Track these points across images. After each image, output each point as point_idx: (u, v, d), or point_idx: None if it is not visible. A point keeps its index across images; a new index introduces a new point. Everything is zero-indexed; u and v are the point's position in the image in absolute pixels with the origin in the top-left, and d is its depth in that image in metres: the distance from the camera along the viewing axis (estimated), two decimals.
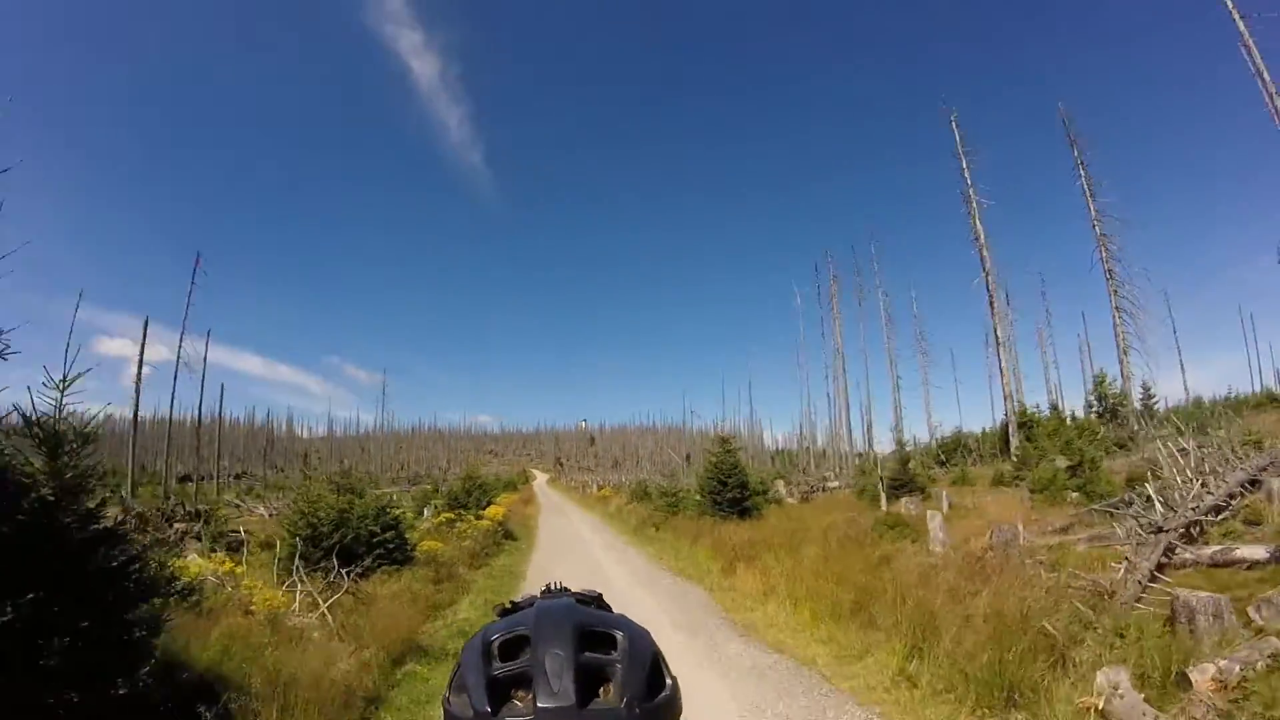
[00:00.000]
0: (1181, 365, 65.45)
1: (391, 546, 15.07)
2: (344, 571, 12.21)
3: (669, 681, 0.98)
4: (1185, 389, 55.79)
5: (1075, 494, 21.26)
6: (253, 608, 9.72)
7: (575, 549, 22.06)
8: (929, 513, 15.40)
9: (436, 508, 27.95)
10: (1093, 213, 44.66)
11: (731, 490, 22.93)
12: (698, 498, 25.36)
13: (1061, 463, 29.53)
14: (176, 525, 22.47)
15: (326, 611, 9.91)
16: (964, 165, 46.37)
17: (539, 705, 0.86)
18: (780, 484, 34.47)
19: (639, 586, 14.53)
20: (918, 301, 77.87)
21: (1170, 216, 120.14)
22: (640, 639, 1.00)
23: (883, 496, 22.20)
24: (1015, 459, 34.13)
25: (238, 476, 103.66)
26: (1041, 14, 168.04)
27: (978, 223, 45.28)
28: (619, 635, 0.98)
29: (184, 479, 74.54)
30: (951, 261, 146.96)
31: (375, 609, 11.22)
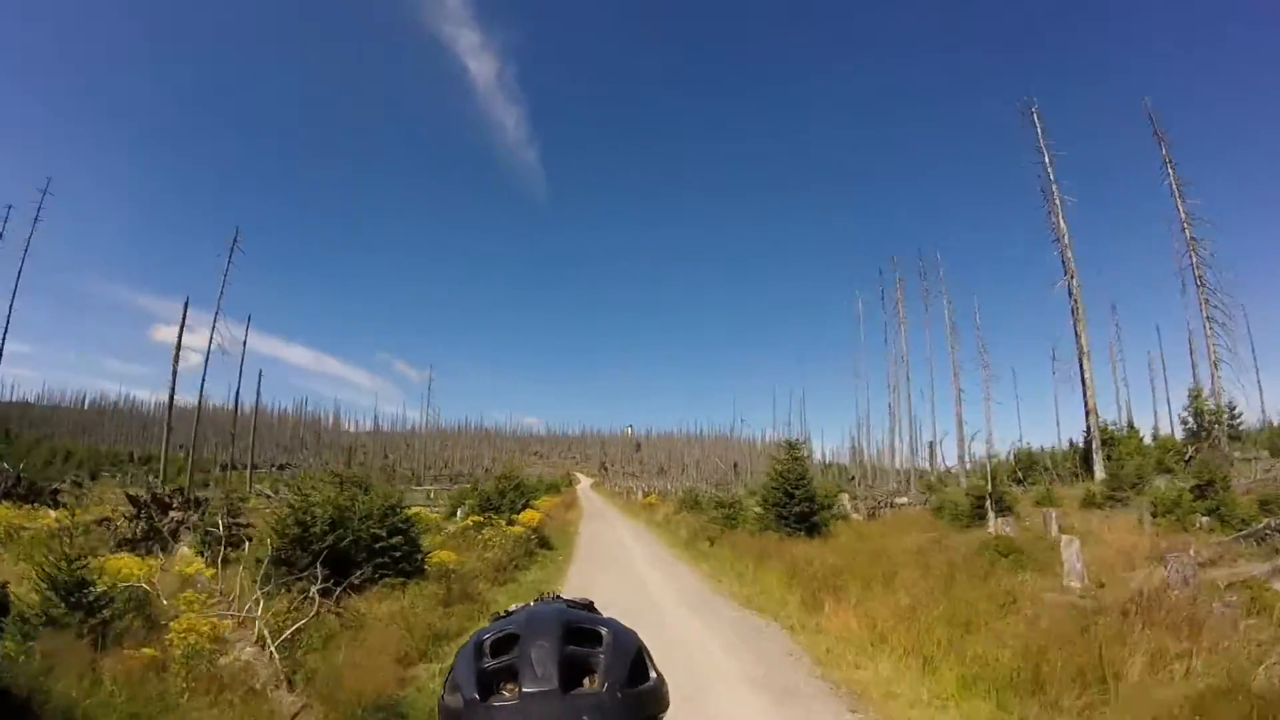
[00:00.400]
0: (1259, 384, 60.64)
1: (399, 555, 12.45)
2: (325, 586, 9.55)
3: (653, 675, 1.00)
4: (1263, 409, 51.21)
5: (1205, 518, 18.15)
6: (169, 639, 7.09)
7: (618, 563, 19.22)
8: (1064, 539, 12.45)
9: (470, 509, 25.33)
10: (1182, 215, 41.04)
11: (799, 503, 20.13)
12: (757, 509, 22.60)
13: (1162, 482, 26.45)
14: (172, 514, 20.21)
15: (274, 651, 7.21)
16: (1046, 159, 42.86)
17: (524, 690, 0.89)
18: (844, 498, 31.42)
19: (695, 616, 11.61)
20: (979, 311, 73.82)
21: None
22: (625, 635, 1.02)
23: (991, 516, 19.12)
24: (1107, 478, 30.78)
25: (281, 467, 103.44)
26: (1123, 6, 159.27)
27: (1061, 221, 41.78)
28: (604, 630, 1.01)
29: (228, 467, 74.15)
30: (1010, 269, 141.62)
31: (357, 640, 8.60)
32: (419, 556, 12.86)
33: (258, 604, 8.50)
